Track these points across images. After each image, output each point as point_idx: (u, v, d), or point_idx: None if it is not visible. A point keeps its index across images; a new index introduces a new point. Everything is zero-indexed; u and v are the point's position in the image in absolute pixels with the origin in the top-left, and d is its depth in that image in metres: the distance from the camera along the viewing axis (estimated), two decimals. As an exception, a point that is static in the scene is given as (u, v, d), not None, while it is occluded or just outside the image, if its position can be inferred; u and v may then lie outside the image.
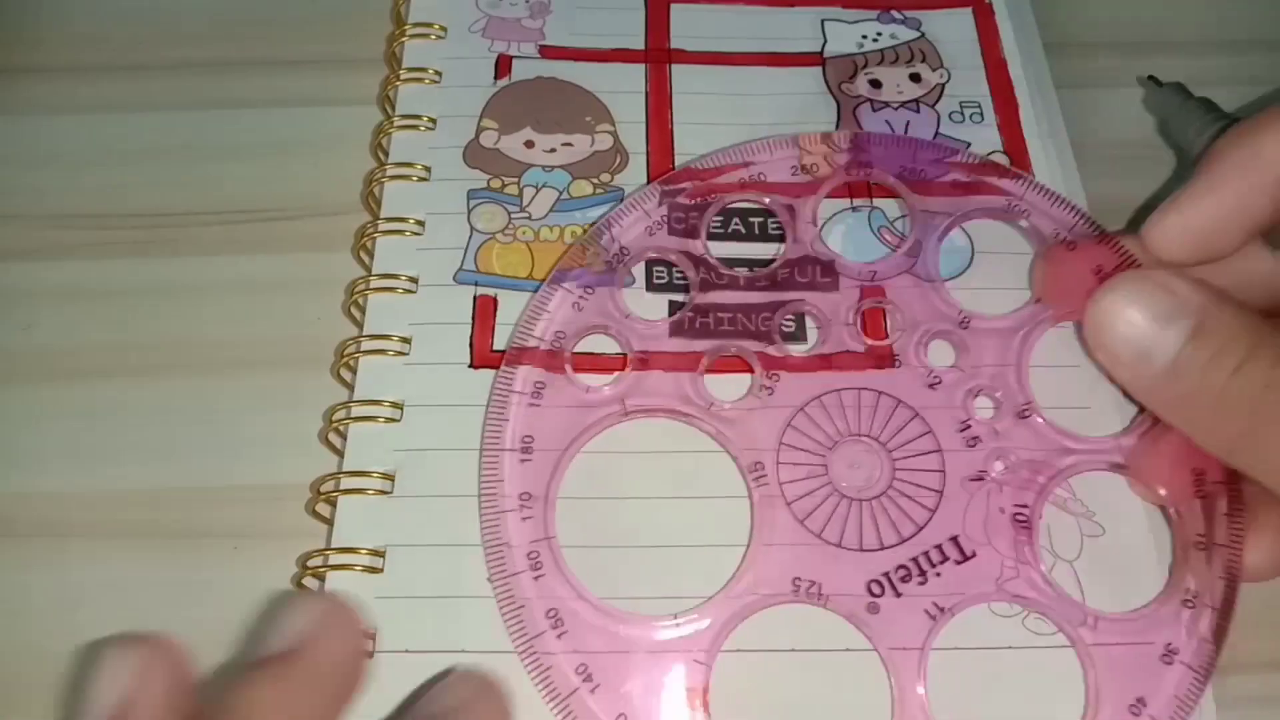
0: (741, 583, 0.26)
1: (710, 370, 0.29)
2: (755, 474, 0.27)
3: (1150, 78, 0.37)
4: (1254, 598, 0.28)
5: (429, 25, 0.37)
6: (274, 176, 0.36)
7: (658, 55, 0.37)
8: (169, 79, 0.38)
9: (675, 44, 0.37)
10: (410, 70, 0.36)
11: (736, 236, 0.32)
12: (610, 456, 0.28)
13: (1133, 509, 0.28)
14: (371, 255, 0.32)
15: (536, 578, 0.26)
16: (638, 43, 0.37)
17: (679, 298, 0.31)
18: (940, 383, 0.28)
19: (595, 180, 0.34)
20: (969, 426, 0.28)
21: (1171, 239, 0.28)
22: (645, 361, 0.29)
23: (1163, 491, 0.27)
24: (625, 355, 0.29)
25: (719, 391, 0.29)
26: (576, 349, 0.29)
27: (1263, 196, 0.27)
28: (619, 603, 0.26)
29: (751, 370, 0.29)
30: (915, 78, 0.37)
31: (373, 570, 0.27)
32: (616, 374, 0.29)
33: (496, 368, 0.30)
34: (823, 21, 0.38)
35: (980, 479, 0.27)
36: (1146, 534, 0.28)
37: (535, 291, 0.31)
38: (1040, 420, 0.28)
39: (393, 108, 0.35)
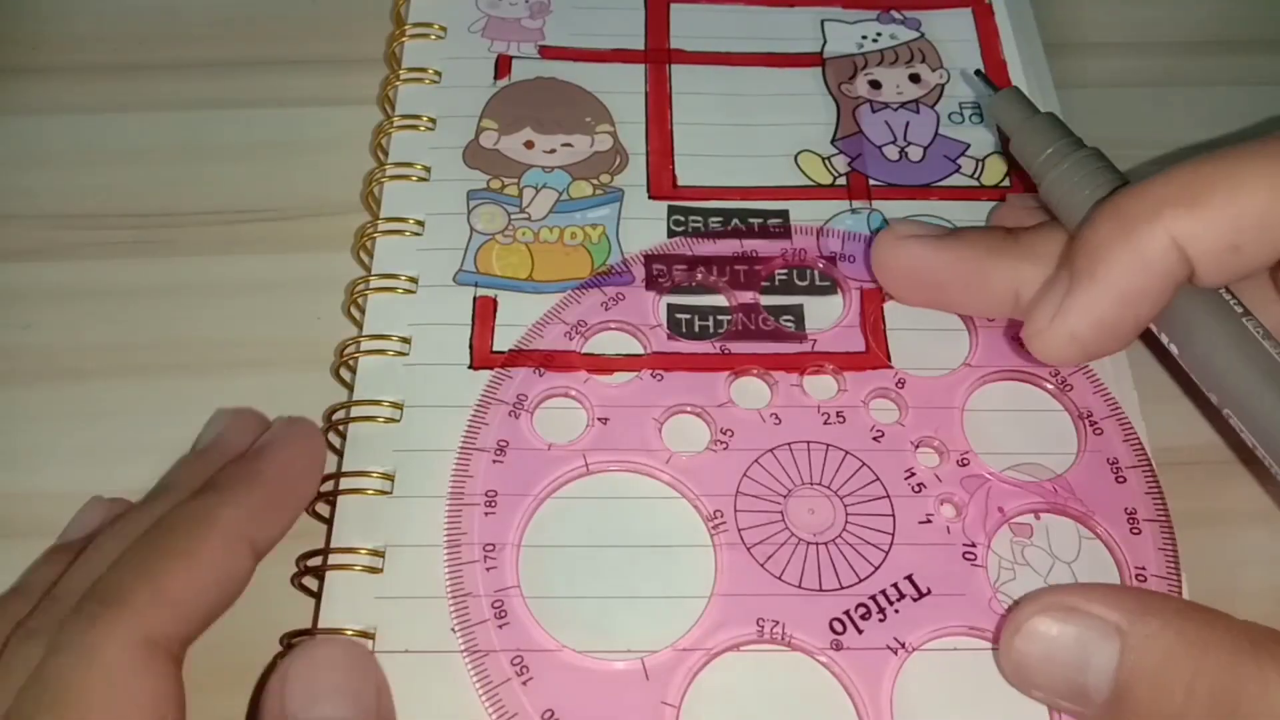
0: (706, 626, 0.27)
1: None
2: (715, 521, 0.28)
3: (978, 73, 0.35)
4: (1254, 598, 0.28)
5: (429, 25, 0.37)
6: (274, 176, 0.36)
7: (657, 55, 0.37)
8: (169, 79, 0.38)
9: (675, 44, 0.37)
10: (410, 70, 0.36)
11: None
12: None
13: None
14: (371, 255, 0.32)
15: (501, 626, 0.26)
16: (637, 43, 0.37)
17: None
18: (884, 435, 0.29)
19: (595, 181, 0.34)
20: (914, 474, 0.29)
21: (1058, 347, 0.26)
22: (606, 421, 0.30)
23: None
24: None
25: (676, 444, 0.29)
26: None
27: (1154, 299, 0.25)
28: (583, 647, 0.26)
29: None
30: (915, 78, 0.37)
31: (372, 570, 0.27)
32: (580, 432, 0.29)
33: (496, 368, 0.30)
34: (822, 22, 0.38)
35: (929, 521, 0.28)
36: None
37: (534, 292, 0.31)
38: (980, 466, 0.29)
39: (392, 108, 0.35)
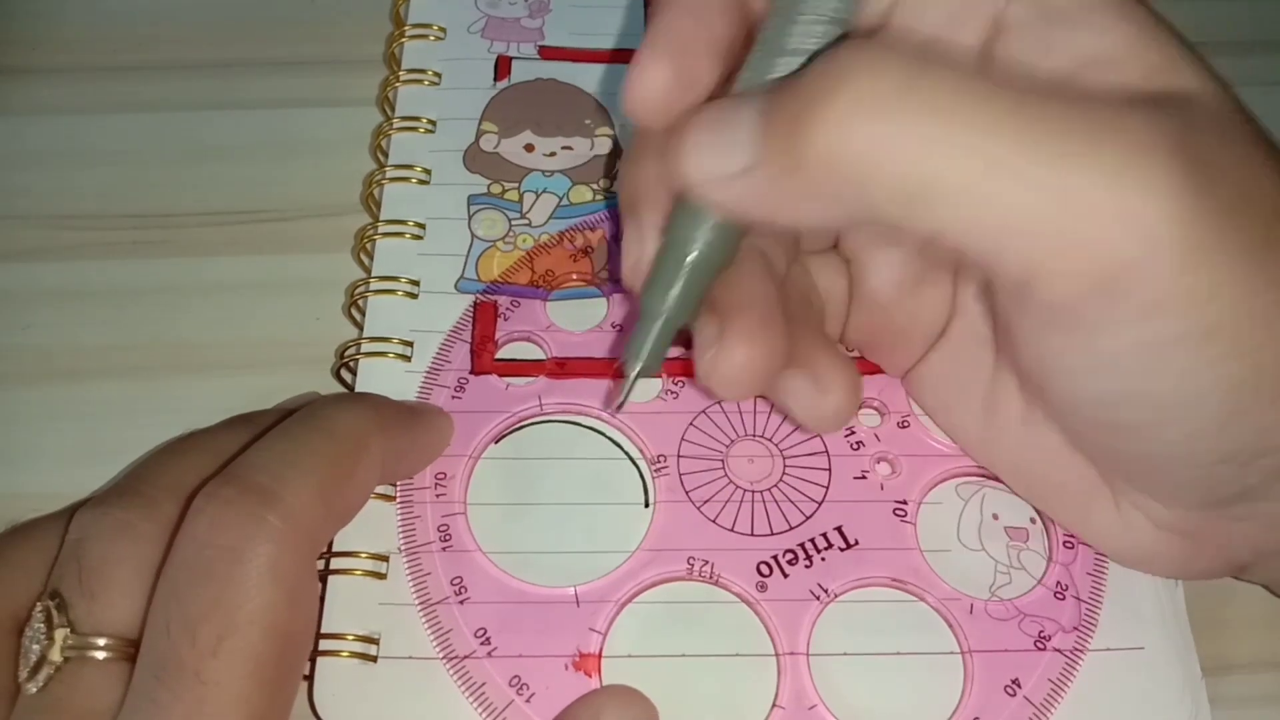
0: (639, 560, 0.28)
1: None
2: (657, 465, 0.29)
3: None
4: (1254, 599, 0.28)
5: (428, 26, 0.37)
6: (273, 177, 0.36)
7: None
8: (168, 79, 0.38)
9: (675, 44, 0.37)
10: (410, 71, 0.36)
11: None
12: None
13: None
14: (371, 257, 0.32)
15: (444, 549, 0.28)
16: (637, 42, 0.37)
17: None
18: None
19: (594, 186, 0.34)
20: (853, 432, 0.30)
21: (650, 102, 0.23)
22: (562, 366, 0.31)
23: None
24: (544, 361, 0.31)
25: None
26: (499, 355, 0.31)
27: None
28: (520, 573, 0.28)
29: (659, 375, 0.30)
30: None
31: (376, 575, 0.27)
32: (537, 377, 0.30)
33: (498, 374, 0.30)
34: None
35: (864, 478, 0.29)
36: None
37: (536, 299, 0.31)
38: (918, 430, 0.30)
39: (392, 109, 0.35)
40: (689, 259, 0.23)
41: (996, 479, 0.29)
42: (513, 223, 0.33)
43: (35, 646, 0.23)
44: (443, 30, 0.37)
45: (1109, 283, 0.19)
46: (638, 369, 0.24)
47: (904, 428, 0.30)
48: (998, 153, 0.19)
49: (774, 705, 0.26)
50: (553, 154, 0.34)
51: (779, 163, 0.20)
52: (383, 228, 0.33)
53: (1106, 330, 0.21)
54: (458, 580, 0.27)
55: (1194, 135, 0.20)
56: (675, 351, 0.30)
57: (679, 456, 0.29)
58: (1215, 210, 0.19)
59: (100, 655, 0.23)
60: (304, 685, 0.26)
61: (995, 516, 0.29)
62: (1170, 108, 0.20)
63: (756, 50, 0.23)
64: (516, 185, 0.34)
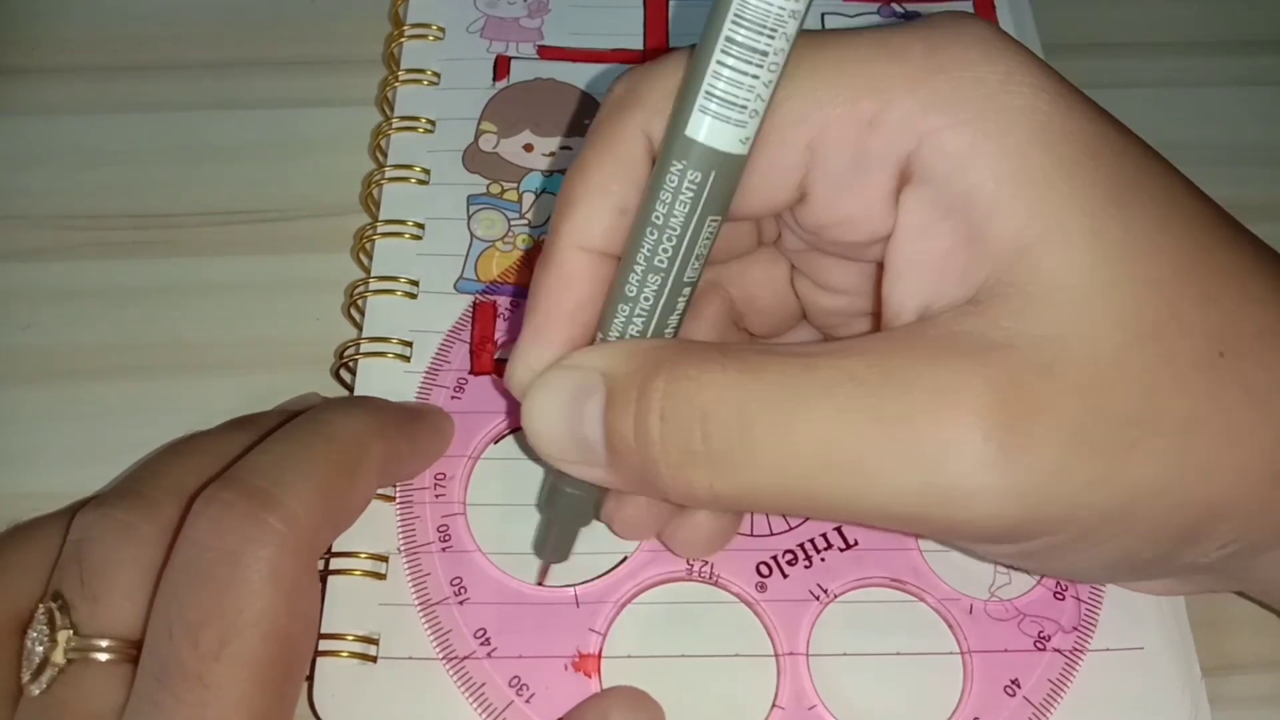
0: (638, 561, 0.28)
1: None
2: None
3: None
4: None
5: (427, 26, 0.37)
6: (273, 177, 0.36)
7: (657, 54, 0.37)
8: (169, 79, 0.38)
9: (674, 42, 0.37)
10: (409, 71, 0.36)
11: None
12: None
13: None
14: (371, 257, 0.32)
15: (444, 549, 0.28)
16: (636, 42, 0.37)
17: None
18: None
19: (594, 183, 0.34)
20: None
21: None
22: None
23: None
24: None
25: None
26: (499, 355, 0.31)
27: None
28: (520, 571, 0.28)
29: None
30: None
31: (375, 576, 0.27)
32: None
33: (498, 375, 0.30)
34: (823, 15, 0.38)
35: None
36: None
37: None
38: None
39: (391, 109, 0.35)
40: (570, 487, 0.25)
41: None
42: (512, 223, 0.33)
43: (39, 648, 0.23)
44: (442, 30, 0.37)
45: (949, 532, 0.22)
46: (549, 560, 0.27)
47: None
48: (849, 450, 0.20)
49: (774, 705, 0.26)
50: (552, 154, 0.34)
51: (631, 483, 0.23)
52: (382, 228, 0.33)
53: (989, 548, 0.24)
54: (457, 580, 0.27)
55: (1007, 384, 0.20)
56: None
57: None
58: (1032, 460, 0.20)
59: (103, 657, 0.23)
60: (304, 685, 0.26)
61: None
62: (989, 355, 0.20)
63: (612, 292, 0.23)
64: (516, 185, 0.34)
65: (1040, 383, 0.20)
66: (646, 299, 0.23)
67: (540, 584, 0.27)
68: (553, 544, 0.27)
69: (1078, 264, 0.20)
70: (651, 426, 0.21)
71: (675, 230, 0.22)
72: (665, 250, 0.22)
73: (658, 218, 0.22)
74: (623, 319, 0.23)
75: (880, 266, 0.23)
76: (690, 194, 0.21)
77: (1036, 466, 0.20)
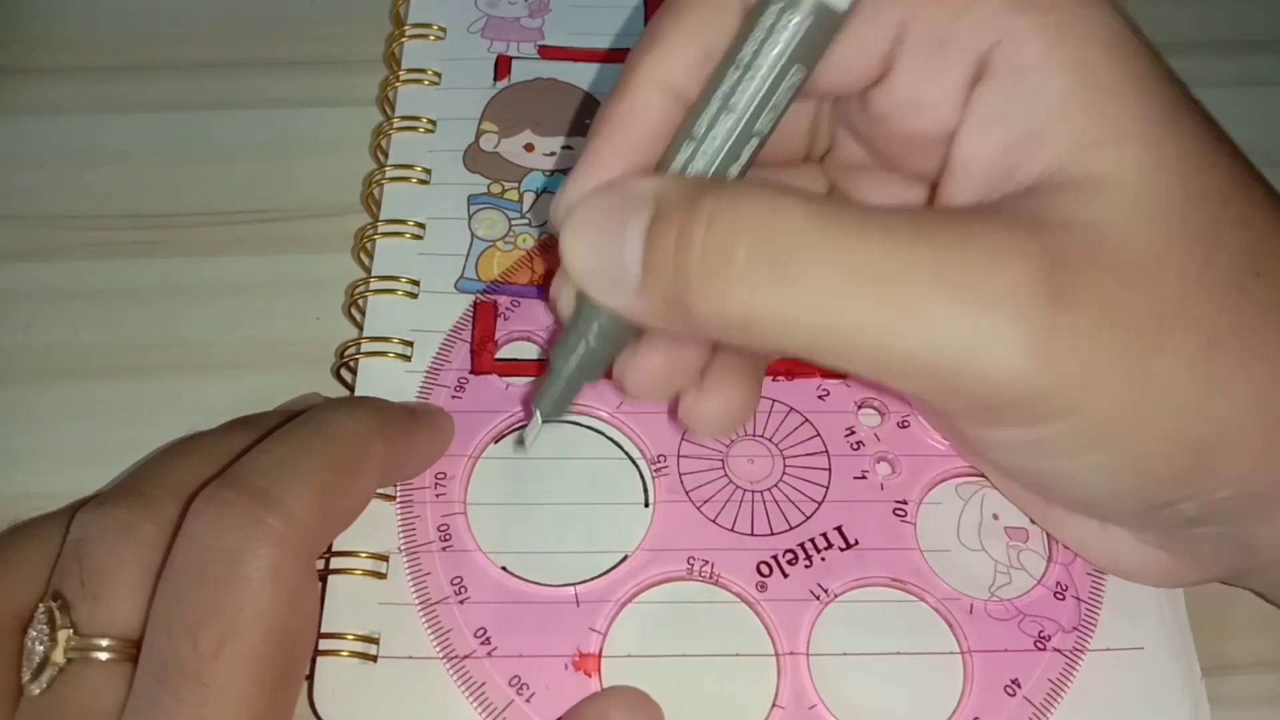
0: (639, 560, 0.28)
1: None
2: (657, 465, 0.29)
3: None
4: (1254, 599, 0.28)
5: (428, 26, 0.37)
6: (273, 177, 0.36)
7: (657, 56, 0.37)
8: (169, 79, 0.38)
9: (675, 44, 0.37)
10: (410, 71, 0.36)
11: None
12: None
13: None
14: (371, 257, 0.32)
15: (444, 549, 0.28)
16: (636, 42, 0.37)
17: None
18: (829, 394, 0.31)
19: (595, 183, 0.34)
20: (854, 432, 0.30)
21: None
22: None
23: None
24: (544, 361, 0.31)
25: None
26: (500, 355, 0.31)
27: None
28: (521, 573, 0.28)
29: None
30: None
31: (376, 575, 0.27)
32: (537, 377, 0.30)
33: (498, 374, 0.30)
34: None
35: (864, 478, 0.29)
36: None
37: (536, 298, 0.31)
38: (918, 430, 0.30)
39: (392, 109, 0.35)
40: (593, 332, 0.24)
41: None
42: (513, 223, 0.33)
43: (39, 648, 0.23)
44: (442, 30, 0.37)
45: (983, 405, 0.22)
46: (543, 417, 0.26)
47: (904, 428, 0.30)
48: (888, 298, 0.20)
49: (774, 705, 0.26)
50: (552, 154, 0.34)
51: (661, 309, 0.22)
52: (383, 227, 0.33)
53: (1000, 432, 0.23)
54: (457, 580, 0.27)
55: (1056, 257, 0.21)
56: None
57: (679, 456, 0.29)
58: (1069, 328, 0.20)
59: (103, 656, 0.23)
60: (304, 685, 0.26)
61: (995, 516, 0.29)
62: (1041, 229, 0.21)
63: (679, 131, 0.23)
64: (516, 185, 0.34)
65: (1089, 259, 0.21)
66: (714, 139, 0.22)
67: (522, 444, 0.27)
68: (554, 397, 0.25)
69: (1136, 165, 0.21)
70: (695, 235, 0.21)
71: (761, 72, 0.22)
72: (745, 91, 0.22)
73: (744, 56, 0.22)
74: (685, 156, 0.23)
75: (932, 187, 0.24)
76: (784, 36, 0.21)
77: (1072, 333, 0.20)
